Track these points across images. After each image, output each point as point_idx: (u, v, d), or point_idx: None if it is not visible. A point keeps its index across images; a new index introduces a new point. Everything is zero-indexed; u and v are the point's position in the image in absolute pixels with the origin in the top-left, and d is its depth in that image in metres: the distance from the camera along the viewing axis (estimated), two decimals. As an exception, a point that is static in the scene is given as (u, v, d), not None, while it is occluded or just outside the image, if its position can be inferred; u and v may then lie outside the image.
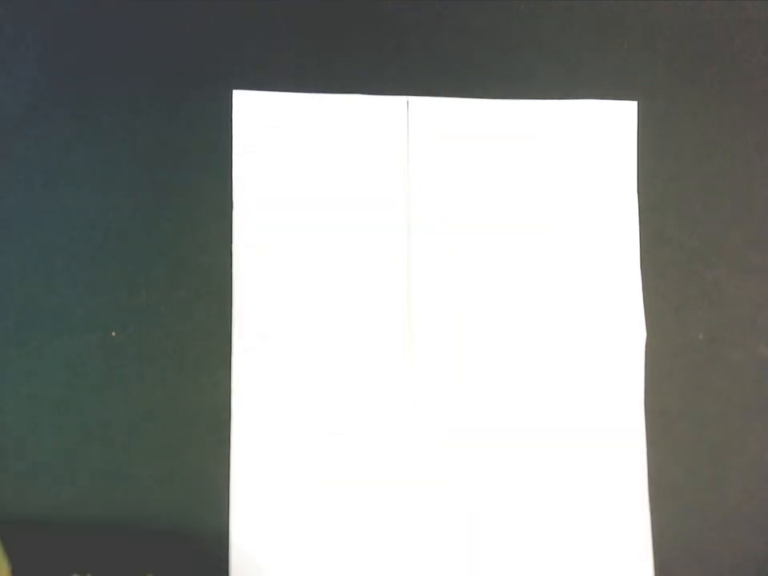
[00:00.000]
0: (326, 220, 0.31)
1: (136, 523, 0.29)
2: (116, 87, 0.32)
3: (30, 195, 0.31)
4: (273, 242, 0.31)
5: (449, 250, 0.31)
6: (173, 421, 0.30)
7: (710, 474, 0.31)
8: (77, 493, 0.29)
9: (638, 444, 0.31)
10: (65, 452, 0.29)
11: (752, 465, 0.31)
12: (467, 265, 0.31)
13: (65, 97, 0.31)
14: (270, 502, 0.30)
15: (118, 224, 0.31)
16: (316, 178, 0.31)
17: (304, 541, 0.29)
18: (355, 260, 0.31)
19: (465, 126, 0.32)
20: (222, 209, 0.31)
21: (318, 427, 0.30)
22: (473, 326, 0.31)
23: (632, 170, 0.32)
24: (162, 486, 0.29)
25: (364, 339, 0.31)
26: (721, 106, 0.33)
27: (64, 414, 0.30)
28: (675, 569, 0.30)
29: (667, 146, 0.32)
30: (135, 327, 0.30)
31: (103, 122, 0.31)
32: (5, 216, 0.31)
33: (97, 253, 0.31)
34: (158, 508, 0.29)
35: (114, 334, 0.30)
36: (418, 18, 0.33)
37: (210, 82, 0.32)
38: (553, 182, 0.32)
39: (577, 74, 0.33)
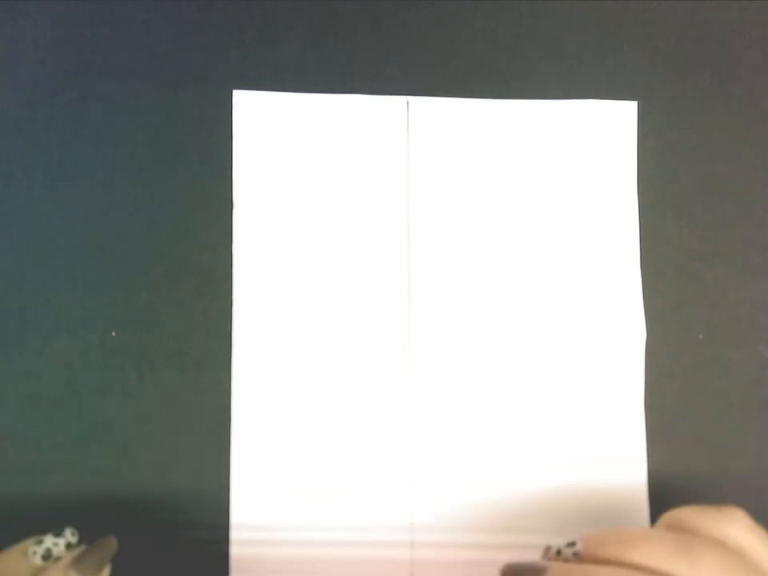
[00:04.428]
0: (326, 220, 0.31)
1: (136, 523, 0.29)
2: (116, 87, 0.32)
3: (30, 195, 0.31)
4: (273, 242, 0.31)
5: (449, 249, 0.31)
6: (173, 421, 0.30)
7: (710, 474, 0.31)
8: (77, 493, 0.29)
9: (638, 444, 0.31)
10: (65, 452, 0.29)
11: (752, 465, 0.31)
12: (467, 264, 0.31)
13: (65, 97, 0.31)
14: (270, 501, 0.30)
15: (118, 224, 0.31)
16: (316, 178, 0.31)
17: (304, 541, 0.29)
18: (355, 260, 0.31)
19: (465, 125, 0.32)
20: (222, 209, 0.31)
21: (318, 427, 0.30)
22: (473, 326, 0.31)
23: (632, 170, 0.32)
24: (161, 485, 0.29)
25: (364, 339, 0.31)
26: (721, 106, 0.33)
27: (64, 414, 0.30)
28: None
29: (667, 146, 0.32)
30: (135, 327, 0.30)
31: (103, 121, 0.31)
32: (5, 216, 0.31)
33: (97, 253, 0.31)
34: (157, 508, 0.29)
35: (114, 333, 0.30)
36: (417, 18, 0.33)
37: (210, 82, 0.32)
38: (553, 182, 0.32)
39: (577, 74, 0.33)
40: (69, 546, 0.26)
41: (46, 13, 0.32)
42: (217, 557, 0.29)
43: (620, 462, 0.30)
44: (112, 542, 0.27)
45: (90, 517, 0.29)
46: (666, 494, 0.30)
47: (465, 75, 0.32)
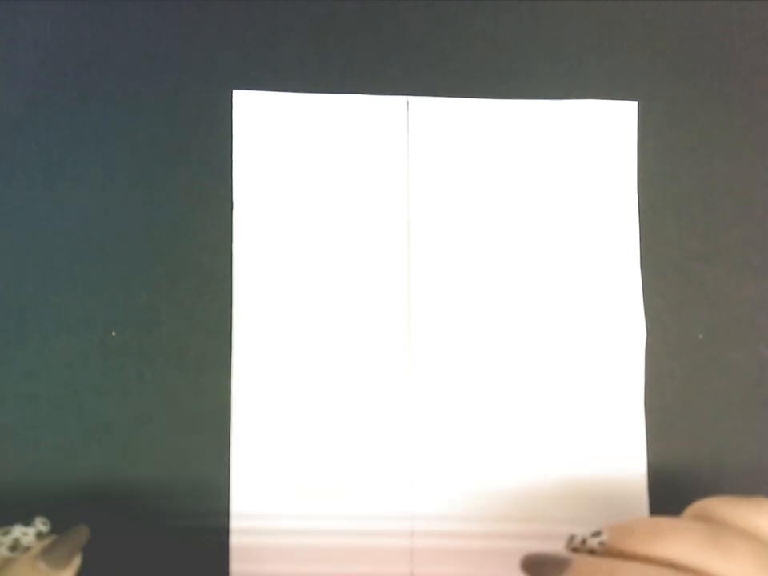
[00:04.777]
0: (326, 220, 0.31)
1: (136, 523, 0.29)
2: (116, 87, 0.32)
3: (30, 195, 0.31)
4: (273, 242, 0.31)
5: (449, 249, 0.31)
6: (173, 421, 0.30)
7: (710, 473, 0.31)
8: (77, 493, 0.29)
9: (638, 444, 0.31)
10: (65, 452, 0.30)
11: (752, 465, 0.31)
12: (467, 264, 0.31)
13: (65, 97, 0.31)
14: (270, 502, 0.30)
15: (118, 224, 0.31)
16: (316, 178, 0.31)
17: (304, 541, 0.29)
18: (355, 260, 0.31)
19: (465, 125, 0.32)
20: (222, 209, 0.31)
21: (318, 427, 0.30)
22: (472, 325, 0.31)
23: (632, 170, 0.32)
24: (161, 486, 0.29)
25: (364, 339, 0.31)
26: (721, 105, 0.33)
27: (64, 414, 0.30)
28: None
29: (667, 146, 0.32)
30: (135, 327, 0.30)
31: (103, 121, 0.31)
32: (5, 216, 0.31)
33: (96, 253, 0.31)
34: (157, 508, 0.29)
35: (114, 333, 0.30)
36: (417, 18, 0.33)
37: (210, 82, 0.32)
38: (553, 182, 0.32)
39: (577, 74, 0.33)
40: (39, 535, 0.25)
41: (45, 13, 0.32)
42: (217, 546, 0.29)
43: (620, 462, 0.30)
44: (83, 531, 0.26)
45: (89, 516, 0.29)
46: (666, 494, 0.30)
47: (465, 75, 0.32)
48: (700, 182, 0.32)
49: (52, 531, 0.26)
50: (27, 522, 0.25)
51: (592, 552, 0.23)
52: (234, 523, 0.29)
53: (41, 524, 0.25)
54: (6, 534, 0.24)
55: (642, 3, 0.33)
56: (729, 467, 0.31)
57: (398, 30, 0.33)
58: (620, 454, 0.30)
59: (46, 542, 0.25)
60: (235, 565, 0.29)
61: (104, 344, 0.30)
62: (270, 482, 0.30)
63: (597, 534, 0.24)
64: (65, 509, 0.29)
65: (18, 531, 0.25)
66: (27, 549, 0.24)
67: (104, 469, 0.29)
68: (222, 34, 0.32)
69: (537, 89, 0.32)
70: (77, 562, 0.25)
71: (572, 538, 0.24)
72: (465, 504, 0.30)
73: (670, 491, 0.30)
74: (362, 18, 0.32)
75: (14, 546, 0.24)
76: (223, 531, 0.29)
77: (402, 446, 0.30)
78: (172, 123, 0.31)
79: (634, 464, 0.30)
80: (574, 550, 0.24)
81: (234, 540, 0.29)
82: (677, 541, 0.22)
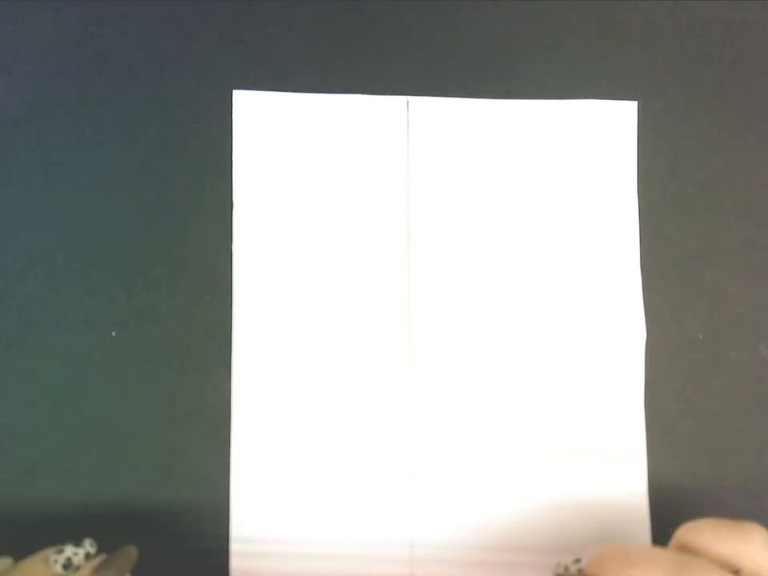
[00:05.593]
0: (326, 220, 0.31)
1: (136, 523, 0.29)
2: (116, 87, 0.32)
3: (30, 195, 0.31)
4: (273, 243, 0.31)
5: (449, 249, 0.31)
6: (173, 421, 0.30)
7: (710, 474, 0.31)
8: (77, 493, 0.29)
9: (639, 444, 0.31)
10: (65, 452, 0.29)
11: (752, 465, 0.31)
12: (467, 264, 0.31)
13: (65, 97, 0.31)
14: (270, 502, 0.30)
15: (118, 224, 0.31)
16: (316, 178, 0.31)
17: (304, 542, 0.29)
18: (355, 260, 0.31)
19: (465, 125, 0.32)
20: (222, 209, 0.31)
21: (318, 427, 0.30)
22: (472, 326, 0.31)
23: (632, 169, 0.32)
24: (161, 486, 0.29)
25: (364, 339, 0.31)
26: (721, 106, 0.33)
27: (64, 414, 0.30)
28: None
29: (667, 146, 0.32)
30: (135, 327, 0.30)
31: (103, 122, 0.31)
32: (5, 216, 0.31)
33: (97, 253, 0.31)
34: (158, 508, 0.29)
35: (113, 333, 0.30)
36: (417, 18, 0.33)
37: (210, 81, 0.32)
38: (553, 182, 0.32)
39: (577, 74, 0.33)
40: (88, 556, 0.26)
41: (46, 13, 0.32)
42: (217, 568, 0.29)
43: (620, 462, 0.30)
44: (132, 552, 0.27)
45: (88, 519, 0.29)
46: (666, 494, 0.30)
47: (465, 75, 0.32)
48: (700, 182, 0.32)
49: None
50: (77, 542, 0.26)
51: None
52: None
53: (89, 545, 0.27)
54: (59, 552, 0.26)
55: (641, 3, 0.33)
56: (729, 467, 0.31)
57: (398, 30, 0.33)
58: (620, 455, 0.30)
59: (96, 562, 0.26)
60: None
61: (104, 344, 0.30)
62: (270, 490, 0.30)
63: (577, 560, 0.26)
64: (63, 510, 0.29)
65: (69, 551, 0.26)
66: (78, 568, 0.25)
67: (104, 470, 0.29)
68: (222, 34, 0.32)
69: (537, 89, 0.32)
70: None
71: (557, 564, 0.26)
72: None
73: (670, 491, 0.30)
74: (362, 17, 0.32)
75: (67, 565, 0.25)
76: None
77: (401, 458, 0.30)
78: (172, 123, 0.31)
79: (634, 464, 0.30)
80: None
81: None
82: (646, 569, 0.23)
